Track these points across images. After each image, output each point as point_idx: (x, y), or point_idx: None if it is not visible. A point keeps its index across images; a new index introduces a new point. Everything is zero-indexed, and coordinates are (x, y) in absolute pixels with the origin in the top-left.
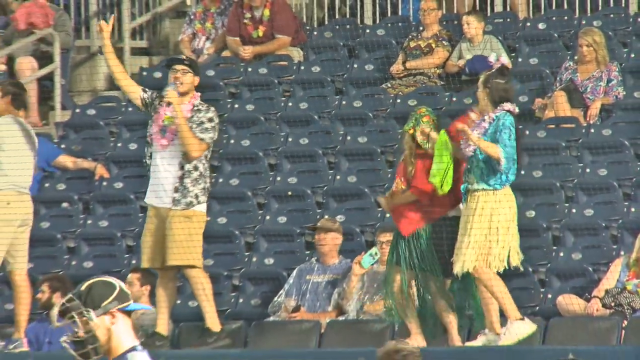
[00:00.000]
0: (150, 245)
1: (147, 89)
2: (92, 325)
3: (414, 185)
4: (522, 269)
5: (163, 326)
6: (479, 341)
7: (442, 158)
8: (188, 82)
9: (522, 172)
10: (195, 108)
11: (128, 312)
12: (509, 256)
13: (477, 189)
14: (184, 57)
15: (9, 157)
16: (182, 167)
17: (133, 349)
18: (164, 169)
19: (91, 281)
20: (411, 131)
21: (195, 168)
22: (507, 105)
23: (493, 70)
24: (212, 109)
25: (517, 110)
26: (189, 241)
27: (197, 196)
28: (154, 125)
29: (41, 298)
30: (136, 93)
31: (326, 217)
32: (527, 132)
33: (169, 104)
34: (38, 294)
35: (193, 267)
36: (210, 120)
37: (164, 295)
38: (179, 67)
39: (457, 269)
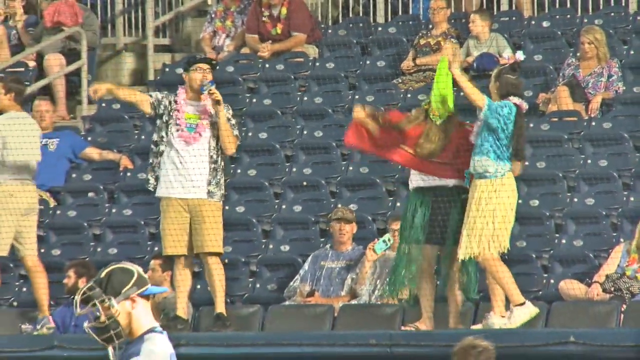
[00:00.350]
0: (174, 233)
1: (151, 93)
2: (114, 311)
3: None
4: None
5: (183, 310)
6: (484, 324)
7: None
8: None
9: (527, 163)
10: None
11: (147, 296)
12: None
13: (482, 177)
14: (207, 56)
15: (13, 151)
16: (214, 162)
17: (152, 330)
18: (192, 164)
19: (110, 268)
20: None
21: (222, 161)
22: (514, 99)
23: (506, 65)
24: (229, 106)
25: (525, 105)
26: (220, 229)
27: (225, 188)
28: (179, 123)
29: (67, 283)
30: (145, 101)
31: (343, 206)
32: (532, 125)
33: (217, 102)
34: (65, 279)
35: (220, 254)
36: (233, 116)
37: (183, 280)
38: (205, 66)
39: (462, 254)
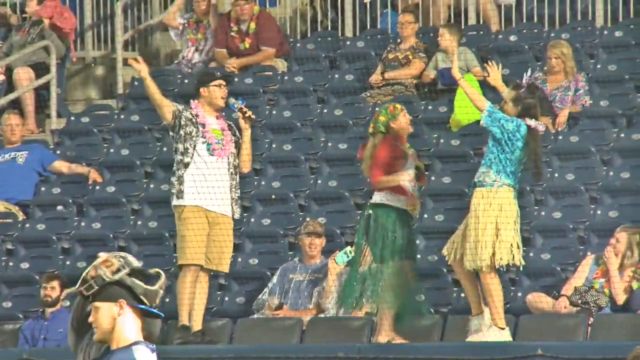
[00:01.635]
0: (197, 243)
1: (176, 103)
2: (115, 276)
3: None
4: (521, 266)
5: (199, 321)
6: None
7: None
8: None
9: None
10: (229, 124)
11: (138, 310)
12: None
13: (479, 182)
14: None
15: None
16: (233, 178)
17: (138, 342)
18: (218, 176)
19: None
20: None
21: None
22: (529, 120)
23: (524, 89)
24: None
25: (540, 127)
26: (232, 249)
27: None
28: (207, 136)
29: (50, 295)
30: (168, 107)
31: (313, 220)
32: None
33: (251, 119)
34: (45, 291)
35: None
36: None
37: (202, 291)
38: (224, 82)
39: (467, 265)
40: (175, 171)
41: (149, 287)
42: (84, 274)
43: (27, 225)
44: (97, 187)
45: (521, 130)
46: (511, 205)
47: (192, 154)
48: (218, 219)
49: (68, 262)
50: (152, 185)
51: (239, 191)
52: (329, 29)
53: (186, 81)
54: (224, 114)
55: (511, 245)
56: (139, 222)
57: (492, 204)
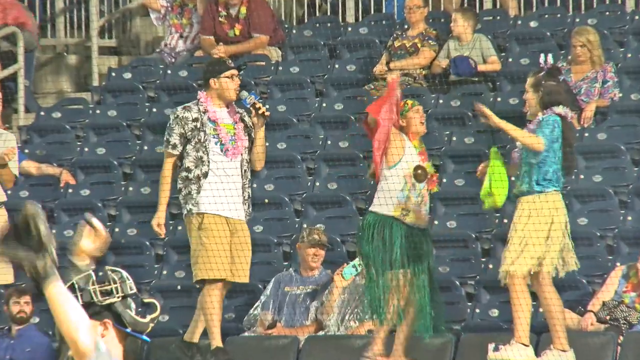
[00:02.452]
0: (220, 255)
1: (174, 143)
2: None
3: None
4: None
5: (219, 339)
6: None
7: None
8: None
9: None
10: (242, 115)
11: (122, 332)
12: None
13: (522, 192)
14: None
15: None
16: (245, 177)
17: None
18: (234, 177)
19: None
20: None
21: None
22: (558, 109)
23: (543, 72)
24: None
25: (570, 114)
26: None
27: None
28: (221, 136)
29: (25, 311)
30: (169, 175)
31: (316, 228)
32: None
33: (265, 116)
34: (20, 306)
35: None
36: None
37: (220, 306)
38: (236, 72)
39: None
40: (183, 188)
41: (139, 319)
42: (73, 279)
43: None
44: (70, 190)
45: (558, 126)
46: (561, 209)
47: (208, 161)
48: (237, 226)
49: None
50: (131, 188)
51: (249, 190)
52: (329, 13)
53: (169, 72)
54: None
55: (562, 250)
56: (117, 229)
57: (542, 209)
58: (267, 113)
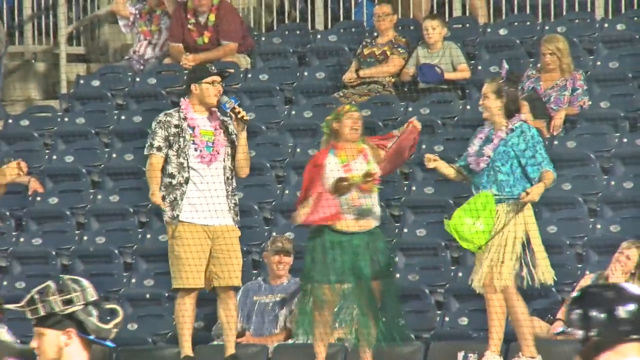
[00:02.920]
0: (195, 263)
1: (158, 144)
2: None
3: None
4: (552, 286)
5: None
6: None
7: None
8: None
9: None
10: (227, 123)
11: (86, 341)
12: (536, 273)
13: (501, 198)
14: (215, 68)
15: None
16: (229, 184)
17: None
18: (213, 185)
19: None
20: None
21: (234, 182)
22: (523, 116)
23: (503, 79)
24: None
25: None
26: (241, 259)
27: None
28: (197, 142)
29: None
30: (157, 175)
31: (280, 236)
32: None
33: (245, 121)
34: None
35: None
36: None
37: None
38: (218, 78)
39: (475, 284)
40: (166, 195)
41: (102, 325)
42: (32, 292)
43: None
44: (38, 198)
45: (535, 131)
46: (533, 217)
47: (188, 168)
48: (218, 233)
49: (5, 283)
50: (99, 196)
51: (236, 197)
52: (298, 21)
53: (137, 79)
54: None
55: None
56: (85, 238)
57: (518, 217)
58: (246, 117)
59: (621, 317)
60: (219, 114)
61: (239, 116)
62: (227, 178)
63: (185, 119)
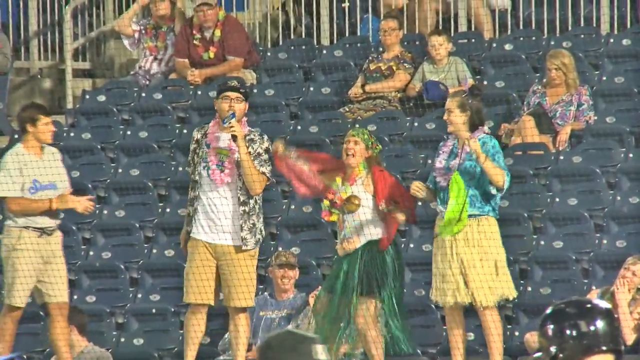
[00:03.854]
0: (198, 279)
1: (193, 135)
2: None
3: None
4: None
5: None
6: None
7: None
8: (241, 109)
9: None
10: (249, 138)
11: None
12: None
13: (471, 215)
14: (236, 83)
15: None
16: (244, 204)
17: None
18: (221, 206)
19: None
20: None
21: (256, 202)
22: (486, 128)
23: (467, 92)
24: (266, 137)
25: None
26: (252, 280)
27: (261, 232)
28: (209, 160)
29: None
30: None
31: (285, 250)
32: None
33: (234, 137)
34: None
35: (247, 308)
36: (267, 150)
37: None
38: (233, 94)
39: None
40: (188, 211)
41: None
42: None
43: None
44: None
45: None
46: (497, 233)
47: (199, 186)
48: (225, 253)
49: None
50: (105, 212)
51: (253, 217)
52: (303, 36)
53: (143, 94)
54: (243, 128)
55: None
56: (92, 253)
57: (486, 233)
58: (235, 132)
59: (584, 331)
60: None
61: (230, 130)
62: (239, 199)
63: (206, 135)
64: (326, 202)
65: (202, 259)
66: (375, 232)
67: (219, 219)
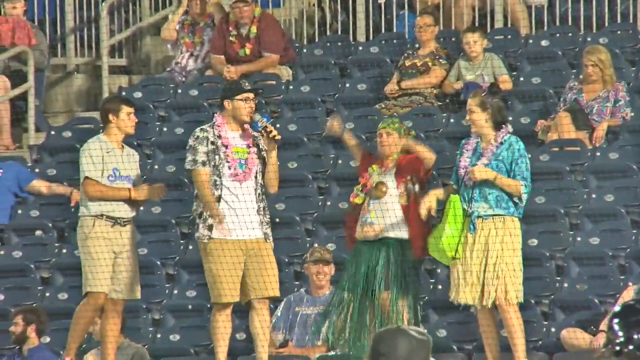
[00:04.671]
0: (230, 280)
1: (202, 161)
2: None
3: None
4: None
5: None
6: None
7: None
8: (253, 110)
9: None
10: (257, 140)
11: None
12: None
13: (493, 214)
14: (248, 84)
15: None
16: (261, 199)
17: None
18: (246, 202)
19: None
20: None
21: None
22: (509, 127)
23: (486, 91)
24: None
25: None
26: (277, 271)
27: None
28: (230, 160)
29: (14, 331)
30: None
31: (320, 246)
32: (530, 156)
33: (276, 140)
34: (11, 326)
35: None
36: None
37: (227, 329)
38: (252, 95)
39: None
40: (197, 208)
41: None
42: None
43: (2, 252)
44: (73, 210)
45: (522, 144)
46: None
47: (222, 185)
48: (255, 247)
49: (48, 294)
50: (142, 208)
51: (268, 212)
52: (339, 32)
53: (179, 91)
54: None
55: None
56: None
57: (511, 235)
58: (277, 137)
59: None
60: (251, 130)
61: (271, 135)
62: (259, 194)
63: (220, 136)
64: (358, 186)
65: (233, 257)
66: (397, 225)
67: (249, 215)
